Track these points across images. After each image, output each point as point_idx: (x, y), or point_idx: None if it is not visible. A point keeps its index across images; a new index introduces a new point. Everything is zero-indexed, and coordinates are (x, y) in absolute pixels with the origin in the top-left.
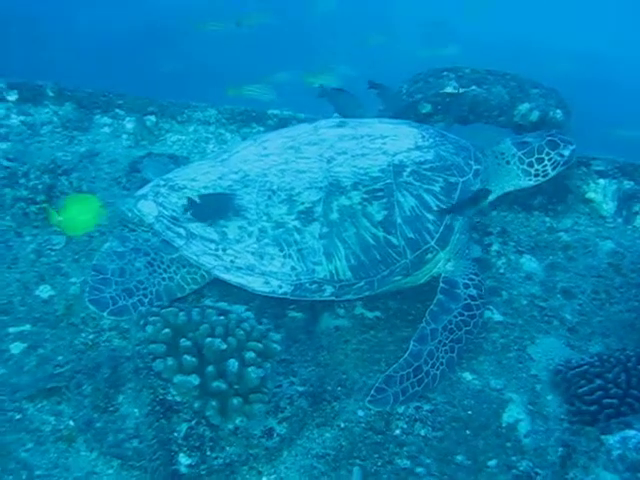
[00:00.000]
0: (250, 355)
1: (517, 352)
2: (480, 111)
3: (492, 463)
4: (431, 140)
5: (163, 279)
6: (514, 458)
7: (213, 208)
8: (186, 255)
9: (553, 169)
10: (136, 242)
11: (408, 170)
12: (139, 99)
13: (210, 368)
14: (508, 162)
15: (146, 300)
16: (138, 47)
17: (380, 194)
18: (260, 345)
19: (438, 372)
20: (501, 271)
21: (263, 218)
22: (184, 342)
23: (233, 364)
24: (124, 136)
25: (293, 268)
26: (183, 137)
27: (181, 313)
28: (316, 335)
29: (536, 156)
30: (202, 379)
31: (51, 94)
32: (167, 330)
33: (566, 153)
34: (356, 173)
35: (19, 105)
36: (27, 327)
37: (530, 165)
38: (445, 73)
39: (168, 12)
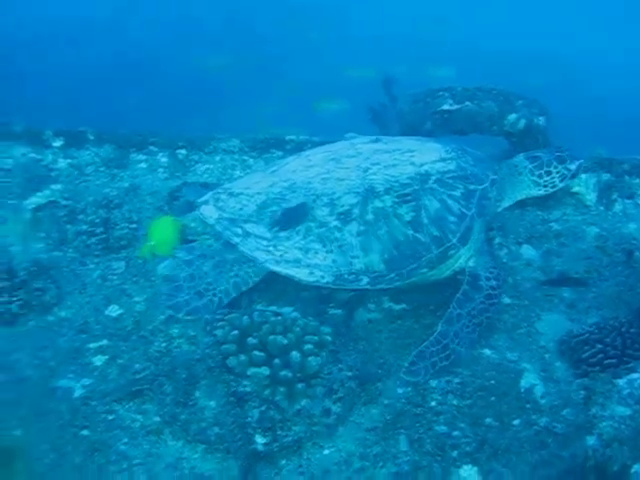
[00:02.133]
0: (308, 347)
1: (526, 328)
2: (474, 123)
3: (516, 422)
4: (453, 154)
5: (230, 277)
6: (534, 416)
7: (294, 217)
8: (242, 250)
9: (560, 181)
10: (201, 249)
11: (433, 178)
12: (169, 135)
13: (277, 360)
14: (520, 174)
15: (216, 299)
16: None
17: (409, 198)
18: (316, 337)
19: (462, 349)
20: (504, 260)
21: (309, 218)
22: (251, 340)
23: (295, 355)
24: (160, 169)
25: (334, 261)
26: (211, 166)
27: (244, 317)
28: (353, 328)
29: (545, 169)
30: (271, 370)
31: (92, 137)
32: (235, 332)
33: (572, 167)
34: (388, 180)
35: (64, 150)
36: (104, 342)
37: (540, 177)
38: (440, 93)
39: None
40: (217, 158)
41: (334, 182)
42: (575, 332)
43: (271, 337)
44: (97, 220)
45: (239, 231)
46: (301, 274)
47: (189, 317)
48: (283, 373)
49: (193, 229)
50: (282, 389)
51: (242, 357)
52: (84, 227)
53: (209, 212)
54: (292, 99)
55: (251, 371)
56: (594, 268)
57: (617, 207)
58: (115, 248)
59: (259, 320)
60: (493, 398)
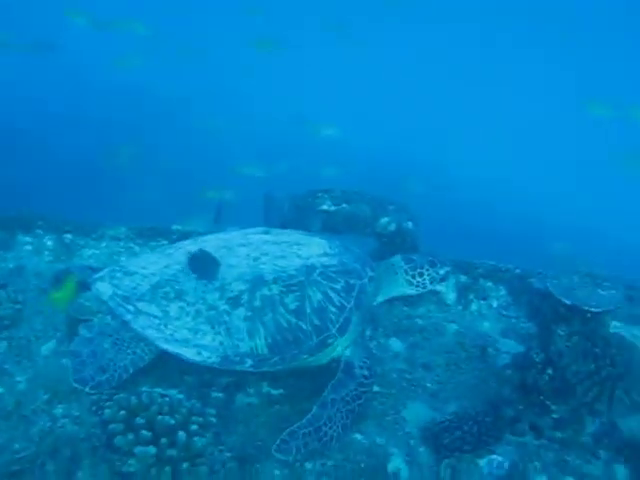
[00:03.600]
0: (194, 427)
1: (393, 416)
2: (350, 224)
3: None
4: (336, 250)
5: (127, 354)
6: None
7: (205, 265)
8: (134, 328)
9: (430, 283)
10: (100, 326)
11: (317, 271)
12: (57, 219)
13: (164, 439)
14: (396, 273)
15: (116, 374)
16: None
17: (294, 288)
18: (201, 419)
19: (335, 434)
20: (374, 351)
21: (200, 301)
22: (139, 420)
23: (182, 435)
24: (46, 252)
25: (221, 343)
26: (97, 251)
27: (132, 397)
28: (233, 411)
29: (418, 271)
30: (157, 449)
31: None
32: (123, 412)
33: (441, 272)
34: (276, 270)
35: None
36: None
37: (413, 277)
38: (320, 194)
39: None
40: (103, 244)
41: (226, 268)
42: (437, 420)
43: (159, 417)
44: None
45: (132, 309)
46: (189, 353)
47: (94, 391)
48: (169, 452)
49: (88, 308)
50: (167, 468)
51: (130, 436)
52: None
53: (104, 288)
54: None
55: (138, 449)
56: (453, 362)
57: (473, 307)
58: None
59: (147, 401)
60: None
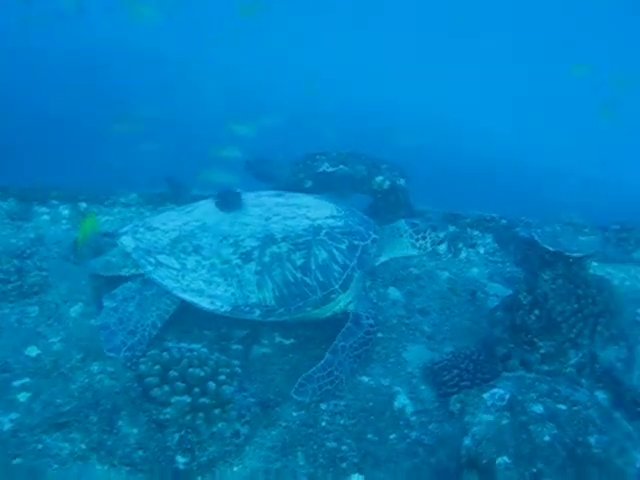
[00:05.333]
0: (222, 377)
1: (395, 358)
2: (348, 184)
3: (392, 436)
4: (343, 212)
5: (153, 310)
6: (406, 431)
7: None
8: (154, 278)
9: (431, 245)
10: (122, 293)
11: (324, 232)
12: (70, 190)
13: (196, 389)
14: (402, 236)
15: (146, 333)
16: None
17: (302, 246)
18: (227, 369)
19: (344, 377)
20: (374, 301)
21: (214, 256)
22: (172, 373)
23: (212, 385)
24: (63, 221)
25: (233, 294)
26: (111, 218)
27: (164, 353)
28: (251, 361)
29: (421, 234)
30: (191, 398)
31: None
32: (157, 366)
33: (441, 235)
34: (286, 230)
35: None
36: (27, 380)
37: (417, 240)
38: (318, 156)
39: None
40: (116, 210)
41: (240, 226)
42: (435, 360)
43: (190, 370)
44: (11, 269)
45: (152, 261)
46: (204, 302)
47: (129, 353)
48: (202, 400)
49: (114, 264)
50: (201, 414)
51: (165, 388)
52: (0, 275)
53: (127, 242)
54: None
55: (174, 399)
56: (447, 306)
57: (462, 254)
58: (29, 294)
59: (177, 356)
60: (373, 417)
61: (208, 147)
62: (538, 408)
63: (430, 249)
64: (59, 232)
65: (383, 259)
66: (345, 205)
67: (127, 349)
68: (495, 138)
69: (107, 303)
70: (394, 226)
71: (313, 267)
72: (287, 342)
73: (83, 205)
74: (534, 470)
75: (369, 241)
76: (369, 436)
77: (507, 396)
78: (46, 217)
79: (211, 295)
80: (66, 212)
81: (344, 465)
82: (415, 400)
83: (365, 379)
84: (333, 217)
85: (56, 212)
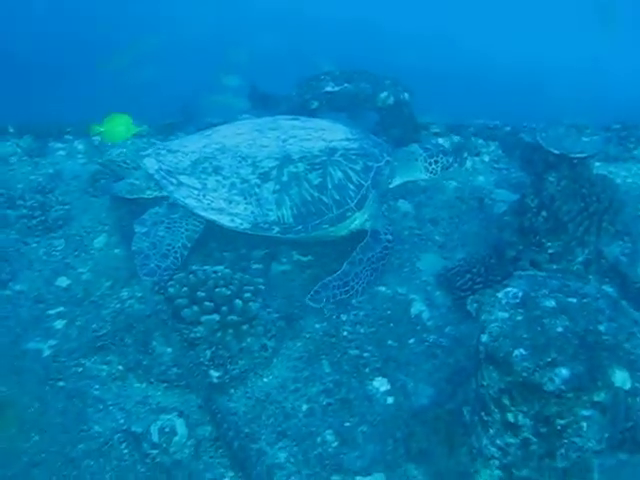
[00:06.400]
0: (247, 295)
1: (410, 267)
2: (353, 102)
3: (411, 341)
4: (357, 135)
5: (182, 232)
6: (424, 335)
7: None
8: (176, 197)
9: (441, 169)
10: (151, 219)
11: (339, 153)
12: (83, 124)
13: (224, 308)
14: (416, 160)
15: (178, 255)
16: None
17: (318, 166)
18: (251, 287)
19: (360, 288)
20: (385, 214)
21: (234, 175)
22: (200, 294)
23: (238, 303)
24: (78, 155)
25: (252, 212)
26: (124, 149)
27: (190, 275)
28: (271, 278)
29: (434, 158)
30: (220, 316)
31: (11, 130)
32: (185, 288)
33: (450, 160)
34: (302, 151)
35: None
36: (61, 309)
37: (430, 164)
38: (322, 76)
39: None
40: (129, 142)
41: (258, 148)
42: (448, 267)
43: (217, 289)
44: (35, 204)
45: (174, 181)
46: (224, 220)
47: (166, 273)
48: (230, 317)
49: (137, 186)
50: (230, 331)
51: (195, 308)
52: (24, 211)
53: (150, 163)
54: None
55: (204, 318)
56: (456, 214)
57: (468, 164)
58: (54, 228)
59: (203, 277)
60: (392, 324)
61: (207, 74)
62: (550, 303)
63: (440, 173)
64: (76, 166)
65: (397, 182)
66: (359, 128)
67: (161, 272)
68: (492, 46)
69: (138, 229)
70: (408, 150)
71: (329, 186)
72: (305, 259)
73: (97, 139)
74: (549, 359)
75: (382, 163)
76: (389, 342)
77: (520, 294)
78: (62, 152)
79: (231, 213)
80: (81, 147)
81: (367, 370)
82: (431, 306)
83: (382, 289)
84: (348, 140)
85: (71, 147)
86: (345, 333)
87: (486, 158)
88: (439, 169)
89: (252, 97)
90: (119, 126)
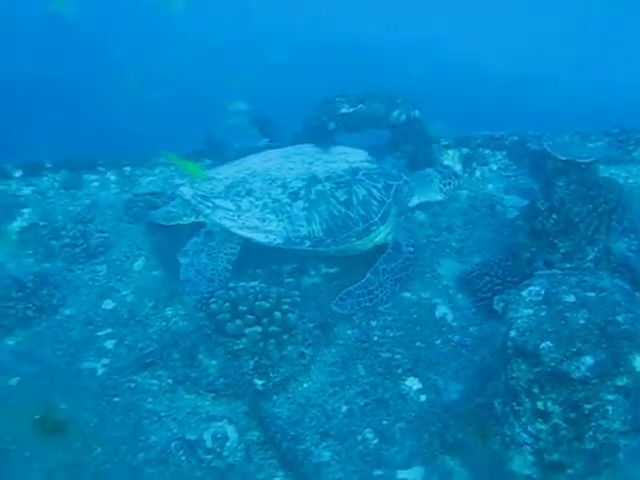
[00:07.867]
0: (285, 307)
1: (431, 273)
2: (368, 121)
3: (438, 342)
4: (375, 158)
5: (221, 257)
6: (449, 336)
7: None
8: (213, 219)
9: (452, 190)
10: (192, 249)
11: (361, 172)
12: (114, 156)
13: (265, 320)
14: (432, 181)
15: (222, 277)
16: None
17: (343, 185)
18: (289, 299)
19: (384, 297)
20: (403, 225)
21: (265, 196)
22: (242, 308)
23: (277, 314)
24: (111, 186)
25: (284, 228)
26: (154, 178)
27: (230, 291)
28: (303, 290)
29: (447, 180)
30: (262, 328)
31: (49, 165)
32: (227, 304)
33: (460, 182)
34: (328, 171)
35: (25, 179)
36: (109, 330)
37: (444, 185)
38: (337, 98)
39: None
40: (157, 170)
41: (286, 170)
42: (467, 271)
43: (257, 303)
44: (77, 234)
45: (210, 204)
46: (259, 237)
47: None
48: (271, 328)
49: (174, 214)
50: (272, 341)
51: (238, 321)
52: (67, 240)
53: (186, 191)
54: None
55: (248, 330)
56: (470, 221)
57: (477, 173)
58: (96, 254)
59: (242, 293)
60: (418, 327)
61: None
62: (570, 298)
63: (450, 194)
64: (110, 196)
65: (415, 202)
66: (377, 154)
67: (209, 294)
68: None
69: (182, 260)
70: (423, 173)
71: (355, 202)
72: (332, 271)
73: (127, 169)
74: (574, 349)
75: (401, 182)
76: (417, 344)
77: (542, 291)
78: (96, 184)
79: (265, 230)
80: (113, 177)
81: (399, 371)
82: (454, 308)
83: (407, 294)
84: (368, 161)
85: (104, 178)
86: (376, 338)
87: (494, 167)
88: (451, 190)
89: (257, 126)
90: (192, 172)
